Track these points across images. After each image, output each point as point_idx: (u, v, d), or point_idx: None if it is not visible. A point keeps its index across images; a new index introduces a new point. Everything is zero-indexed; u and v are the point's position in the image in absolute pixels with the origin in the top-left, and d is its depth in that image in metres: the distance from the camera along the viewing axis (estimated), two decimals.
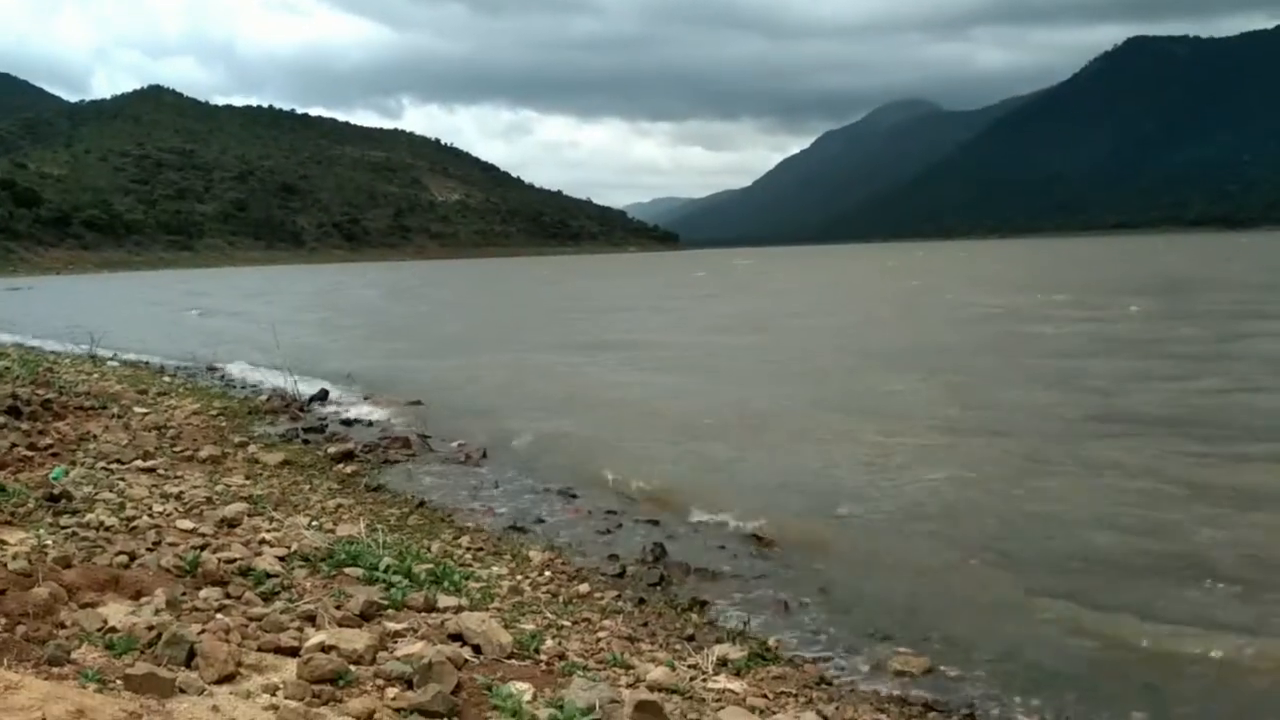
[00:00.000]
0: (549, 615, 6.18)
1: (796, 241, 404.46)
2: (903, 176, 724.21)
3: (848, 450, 12.05)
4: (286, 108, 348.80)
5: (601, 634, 5.95)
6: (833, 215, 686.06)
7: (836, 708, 5.19)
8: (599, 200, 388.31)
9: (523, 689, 4.16)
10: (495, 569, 7.40)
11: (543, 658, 4.98)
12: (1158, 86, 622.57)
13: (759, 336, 27.42)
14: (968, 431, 12.85)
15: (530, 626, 5.63)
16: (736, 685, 5.17)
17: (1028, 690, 5.71)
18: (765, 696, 5.15)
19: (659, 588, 7.51)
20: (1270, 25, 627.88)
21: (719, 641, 6.15)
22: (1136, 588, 7.18)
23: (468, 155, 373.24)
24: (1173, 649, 6.15)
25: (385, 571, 6.14)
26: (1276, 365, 17.58)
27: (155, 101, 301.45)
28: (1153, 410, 13.78)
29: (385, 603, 5.37)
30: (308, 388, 18.18)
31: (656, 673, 4.98)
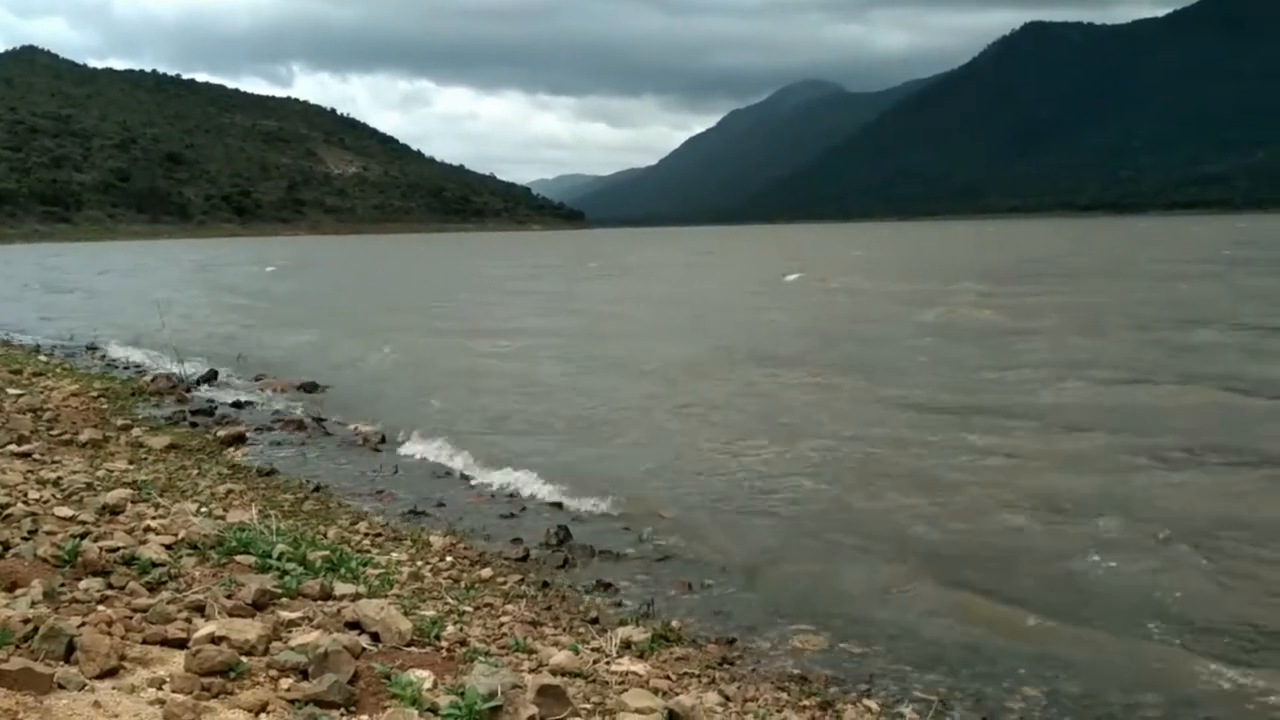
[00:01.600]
0: (450, 601, 6.10)
1: (703, 222, 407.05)
2: (807, 158, 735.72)
3: (739, 437, 12.23)
4: (169, 73, 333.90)
5: (504, 619, 5.90)
6: (739, 195, 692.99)
7: (738, 687, 5.26)
8: (502, 176, 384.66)
9: (423, 676, 4.10)
10: (395, 555, 7.27)
11: (444, 644, 4.91)
12: (1054, 72, 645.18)
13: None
14: (844, 418, 13.15)
15: (431, 613, 5.55)
16: (640, 667, 5.19)
17: (924, 665, 5.88)
18: (668, 678, 5.18)
19: (563, 571, 7.49)
20: (1160, 14, 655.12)
21: (623, 624, 6.16)
22: (1023, 563, 7.49)
23: (365, 126, 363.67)
24: (1058, 624, 6.41)
25: (279, 559, 5.96)
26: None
27: (29, 63, 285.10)
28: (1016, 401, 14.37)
29: (279, 591, 5.21)
30: (196, 368, 17.55)
31: (559, 657, 4.97)
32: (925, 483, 9.65)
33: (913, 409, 13.23)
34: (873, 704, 5.28)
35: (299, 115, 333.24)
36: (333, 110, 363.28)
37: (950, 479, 9.77)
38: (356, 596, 5.41)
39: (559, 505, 9.35)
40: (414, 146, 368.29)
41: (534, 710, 3.76)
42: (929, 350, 18.92)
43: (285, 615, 4.85)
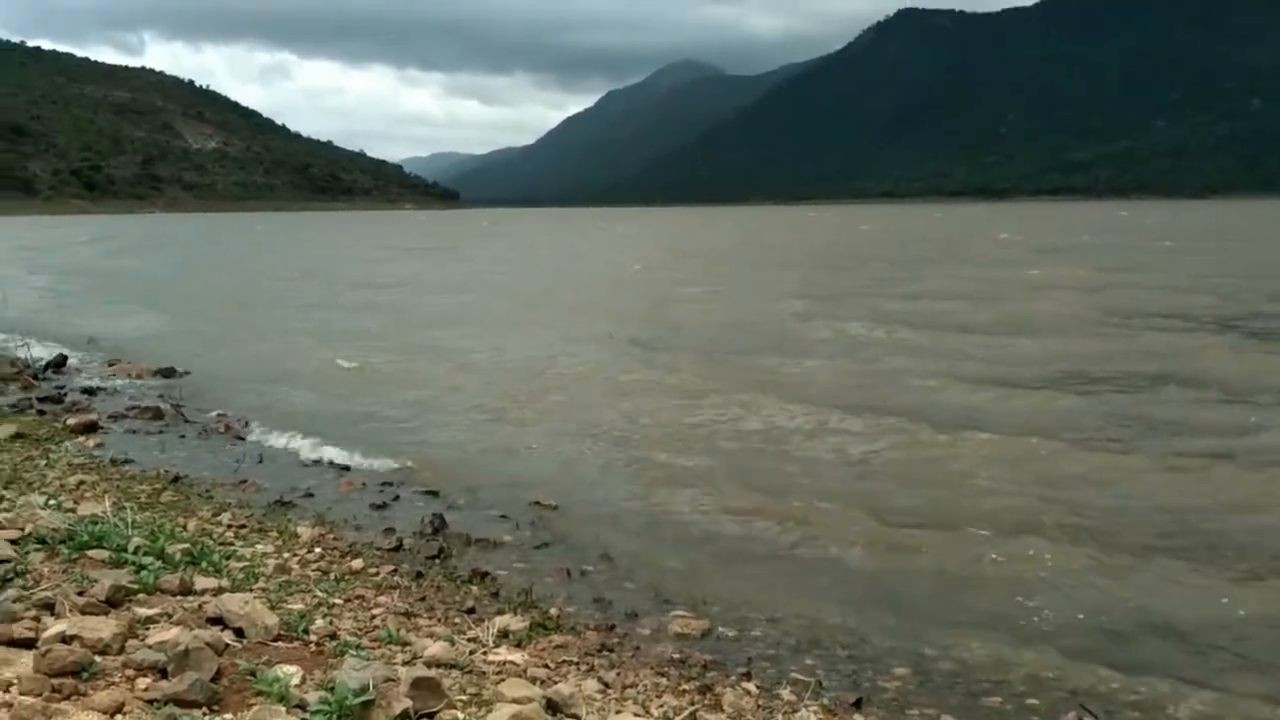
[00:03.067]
0: (319, 594, 5.93)
1: (579, 203, 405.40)
2: (685, 140, 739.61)
3: (615, 421, 12.29)
4: (10, 39, 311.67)
5: (376, 611, 5.78)
6: (617, 177, 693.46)
7: (618, 674, 5.27)
8: (373, 153, 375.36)
9: (290, 672, 3.99)
10: (260, 547, 7.03)
11: (313, 638, 4.77)
12: (926, 58, 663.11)
13: None
14: (728, 401, 13.38)
15: (299, 606, 5.39)
16: (518, 656, 5.16)
17: (801, 647, 5.99)
18: (547, 666, 5.17)
19: (438, 560, 7.36)
20: (1028, 3, 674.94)
21: (500, 613, 6.11)
22: (895, 546, 7.71)
23: (226, 100, 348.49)
24: (929, 605, 6.62)
25: (135, 553, 5.68)
26: None
27: None
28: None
29: (135, 587, 4.98)
30: (42, 352, 16.54)
31: (434, 648, 4.89)
32: (797, 467, 9.89)
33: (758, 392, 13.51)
34: (751, 686, 5.35)
35: (154, 87, 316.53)
36: (190, 82, 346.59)
37: (826, 462, 10.06)
38: (219, 591, 5.23)
39: (434, 493, 9.19)
40: (278, 121, 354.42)
41: (408, 704, 3.70)
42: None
43: (142, 612, 4.65)
